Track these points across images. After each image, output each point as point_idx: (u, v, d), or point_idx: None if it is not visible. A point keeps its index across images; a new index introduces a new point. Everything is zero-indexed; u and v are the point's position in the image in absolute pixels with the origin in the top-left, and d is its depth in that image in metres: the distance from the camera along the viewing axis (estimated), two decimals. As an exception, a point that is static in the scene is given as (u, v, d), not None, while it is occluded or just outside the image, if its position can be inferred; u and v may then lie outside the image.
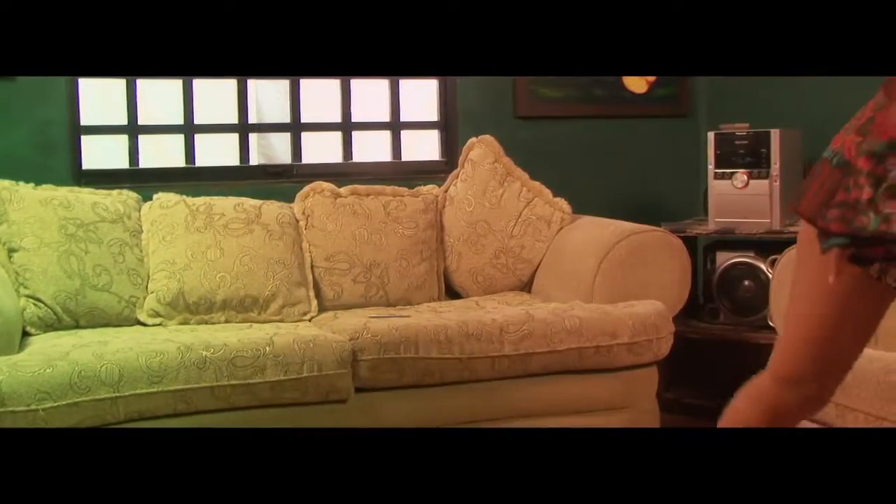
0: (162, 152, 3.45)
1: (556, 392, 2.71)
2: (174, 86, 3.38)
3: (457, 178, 3.33)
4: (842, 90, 3.54)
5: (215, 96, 3.52)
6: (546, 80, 3.79)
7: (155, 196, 3.03)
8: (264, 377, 2.40)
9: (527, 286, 3.23)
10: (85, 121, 3.22)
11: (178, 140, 3.41)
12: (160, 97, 3.39)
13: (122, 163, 3.33)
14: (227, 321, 2.84)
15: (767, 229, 3.31)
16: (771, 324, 2.89)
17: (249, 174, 3.46)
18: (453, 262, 3.21)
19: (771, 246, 3.28)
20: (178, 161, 3.41)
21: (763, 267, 3.33)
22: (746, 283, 3.39)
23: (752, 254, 3.39)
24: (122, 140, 3.33)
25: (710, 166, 3.44)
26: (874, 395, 1.97)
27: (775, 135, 3.31)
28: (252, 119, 3.53)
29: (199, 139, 3.42)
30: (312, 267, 3.06)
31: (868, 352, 2.15)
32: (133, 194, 3.02)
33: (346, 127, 3.64)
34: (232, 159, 3.49)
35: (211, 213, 2.96)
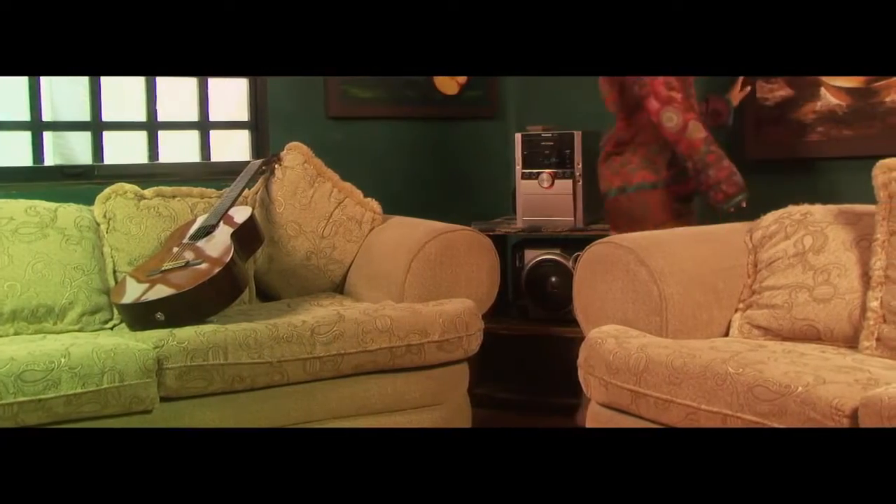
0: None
1: (369, 392, 2.72)
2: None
3: (266, 179, 3.28)
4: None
5: (3, 92, 3.30)
6: (357, 80, 3.80)
7: (-68, 200, 2.80)
8: (58, 391, 2.26)
9: (339, 287, 3.23)
10: None
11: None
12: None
13: None
14: (17, 333, 2.66)
15: (571, 227, 3.45)
16: (577, 317, 3.01)
17: (44, 175, 3.26)
18: (264, 263, 3.15)
19: (575, 243, 3.42)
20: (-39, 162, 3.18)
21: (568, 264, 3.47)
22: (553, 279, 3.52)
23: (557, 251, 3.52)
24: None
25: (518, 166, 3.54)
26: (662, 379, 2.09)
27: (578, 136, 3.46)
28: (46, 117, 3.33)
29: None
30: (115, 272, 2.93)
31: (658, 339, 2.28)
32: None
33: (152, 126, 3.51)
34: (24, 159, 3.28)
35: (-2, 217, 2.77)
